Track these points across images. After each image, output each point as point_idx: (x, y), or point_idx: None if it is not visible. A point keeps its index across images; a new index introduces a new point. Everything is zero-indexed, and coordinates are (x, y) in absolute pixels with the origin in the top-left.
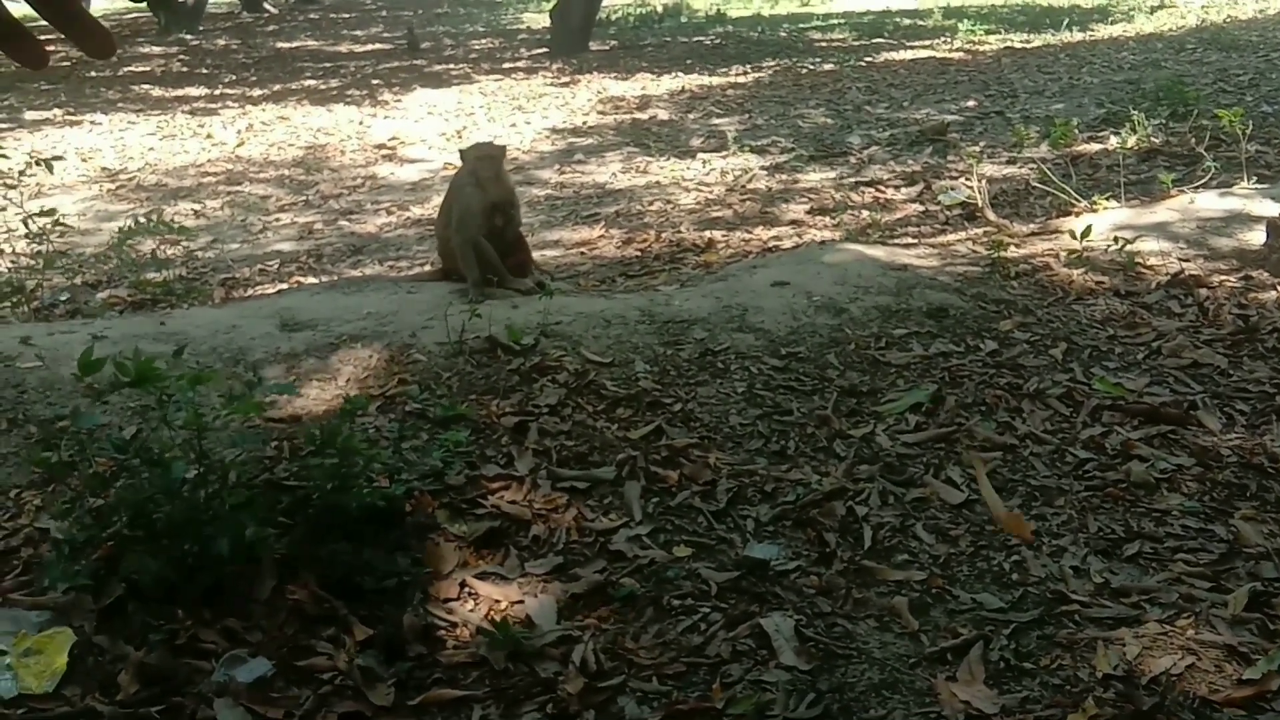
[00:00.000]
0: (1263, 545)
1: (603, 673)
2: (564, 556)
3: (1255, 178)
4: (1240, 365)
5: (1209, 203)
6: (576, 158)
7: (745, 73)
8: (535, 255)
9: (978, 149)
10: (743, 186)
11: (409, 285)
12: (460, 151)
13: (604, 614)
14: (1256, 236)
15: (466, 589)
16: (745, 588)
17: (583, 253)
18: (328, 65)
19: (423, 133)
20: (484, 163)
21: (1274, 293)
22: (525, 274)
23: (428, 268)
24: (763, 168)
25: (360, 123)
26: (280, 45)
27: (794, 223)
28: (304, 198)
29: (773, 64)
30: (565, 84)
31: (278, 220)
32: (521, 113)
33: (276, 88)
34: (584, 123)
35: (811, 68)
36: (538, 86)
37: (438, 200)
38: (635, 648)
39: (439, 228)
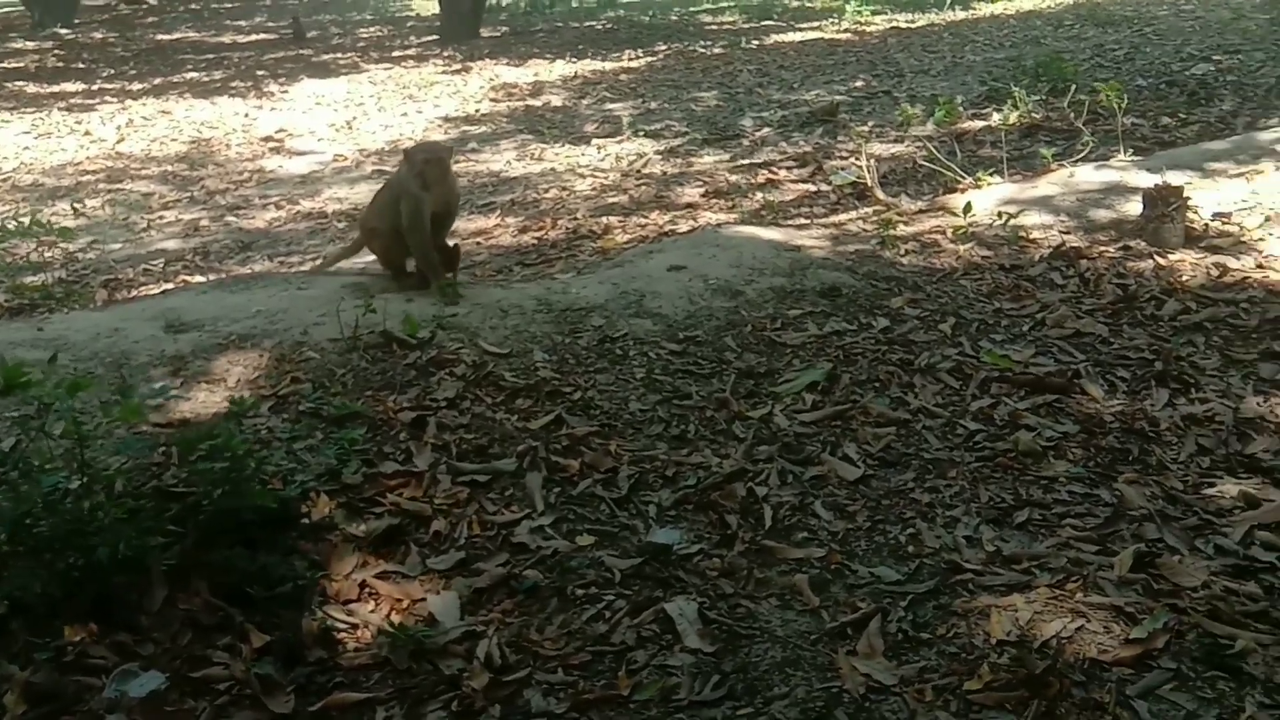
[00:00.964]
0: (1145, 507)
1: (508, 666)
2: (466, 551)
3: (1131, 150)
4: (1120, 333)
5: (1088, 176)
6: (470, 146)
7: (637, 57)
8: None
9: (866, 129)
10: (638, 171)
11: (300, 281)
12: (405, 150)
13: (508, 607)
14: (1133, 207)
15: (367, 589)
16: (649, 574)
17: (479, 242)
18: (210, 56)
19: (311, 124)
20: (431, 167)
21: (1151, 262)
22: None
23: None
24: (657, 152)
25: (246, 115)
26: (160, 37)
27: (689, 206)
28: (189, 194)
29: (664, 48)
30: (457, 71)
31: (161, 218)
32: (413, 101)
33: (157, 81)
34: (477, 110)
35: (703, 51)
36: (429, 75)
37: (329, 193)
38: (540, 639)
39: (367, 219)
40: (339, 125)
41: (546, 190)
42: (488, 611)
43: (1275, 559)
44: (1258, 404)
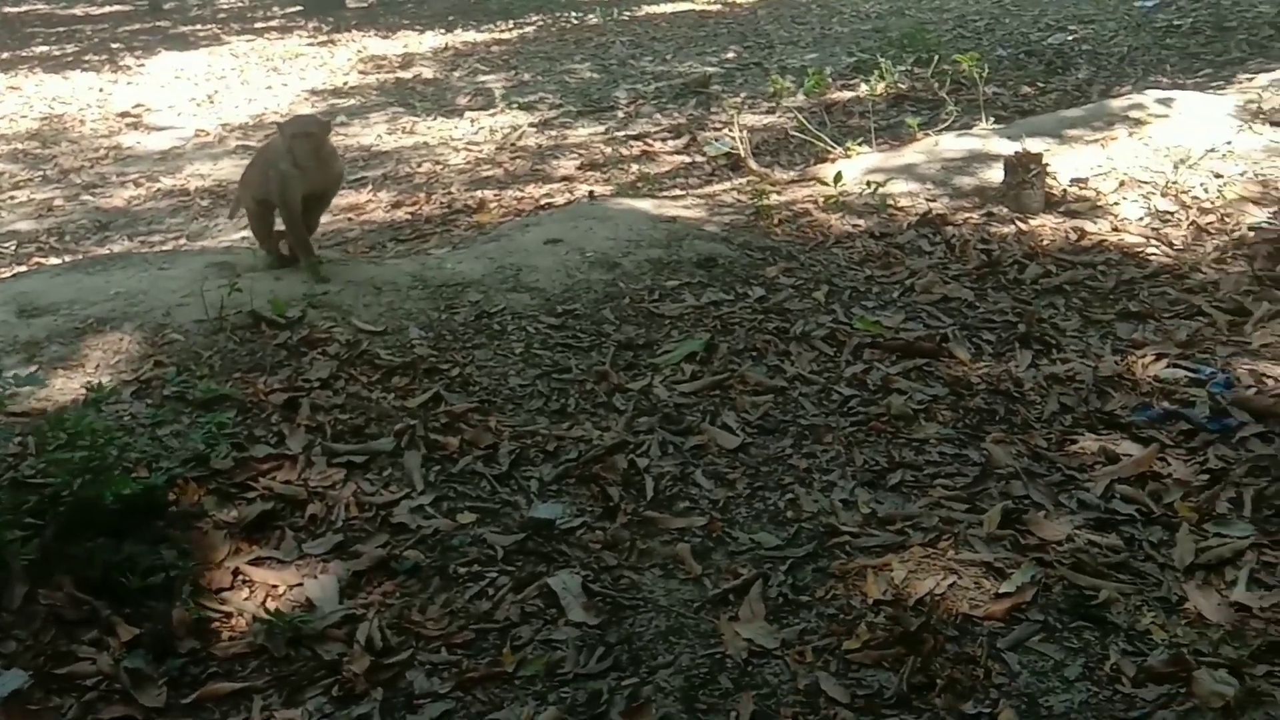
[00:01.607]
0: (1012, 465)
1: (389, 648)
2: (344, 534)
3: (993, 118)
4: (985, 297)
5: (952, 144)
6: (339, 120)
7: (509, 28)
8: None
9: (739, 100)
10: (512, 144)
11: (161, 260)
12: (278, 124)
13: (388, 589)
14: (995, 174)
15: (240, 576)
16: (532, 549)
17: (350, 218)
18: (61, 29)
19: (170, 99)
20: (299, 142)
21: (1013, 227)
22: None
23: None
24: (532, 124)
25: (100, 90)
26: (6, 10)
27: (565, 179)
28: (41, 173)
29: (537, 19)
30: (323, 43)
31: (13, 198)
32: (277, 74)
33: (4, 55)
34: (345, 83)
35: (575, 22)
36: (293, 46)
37: (192, 169)
38: (422, 620)
39: (243, 194)
40: (200, 99)
41: (419, 164)
42: (367, 594)
43: (1134, 511)
44: (1115, 362)
